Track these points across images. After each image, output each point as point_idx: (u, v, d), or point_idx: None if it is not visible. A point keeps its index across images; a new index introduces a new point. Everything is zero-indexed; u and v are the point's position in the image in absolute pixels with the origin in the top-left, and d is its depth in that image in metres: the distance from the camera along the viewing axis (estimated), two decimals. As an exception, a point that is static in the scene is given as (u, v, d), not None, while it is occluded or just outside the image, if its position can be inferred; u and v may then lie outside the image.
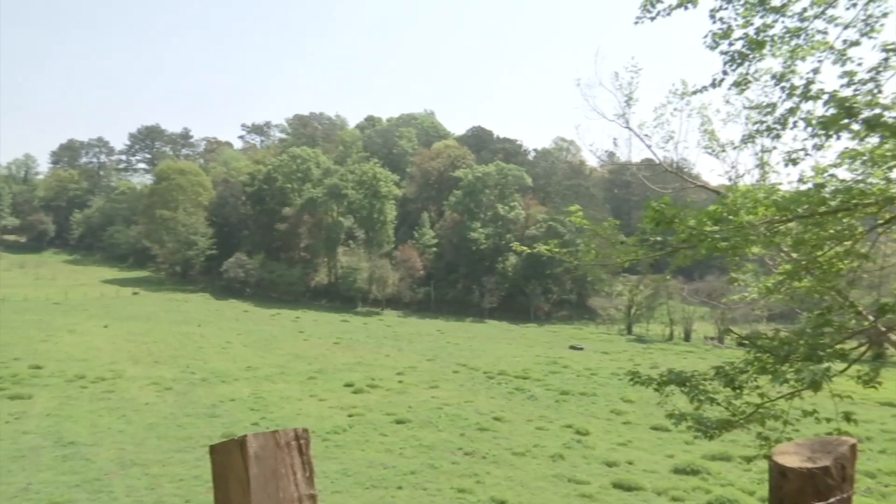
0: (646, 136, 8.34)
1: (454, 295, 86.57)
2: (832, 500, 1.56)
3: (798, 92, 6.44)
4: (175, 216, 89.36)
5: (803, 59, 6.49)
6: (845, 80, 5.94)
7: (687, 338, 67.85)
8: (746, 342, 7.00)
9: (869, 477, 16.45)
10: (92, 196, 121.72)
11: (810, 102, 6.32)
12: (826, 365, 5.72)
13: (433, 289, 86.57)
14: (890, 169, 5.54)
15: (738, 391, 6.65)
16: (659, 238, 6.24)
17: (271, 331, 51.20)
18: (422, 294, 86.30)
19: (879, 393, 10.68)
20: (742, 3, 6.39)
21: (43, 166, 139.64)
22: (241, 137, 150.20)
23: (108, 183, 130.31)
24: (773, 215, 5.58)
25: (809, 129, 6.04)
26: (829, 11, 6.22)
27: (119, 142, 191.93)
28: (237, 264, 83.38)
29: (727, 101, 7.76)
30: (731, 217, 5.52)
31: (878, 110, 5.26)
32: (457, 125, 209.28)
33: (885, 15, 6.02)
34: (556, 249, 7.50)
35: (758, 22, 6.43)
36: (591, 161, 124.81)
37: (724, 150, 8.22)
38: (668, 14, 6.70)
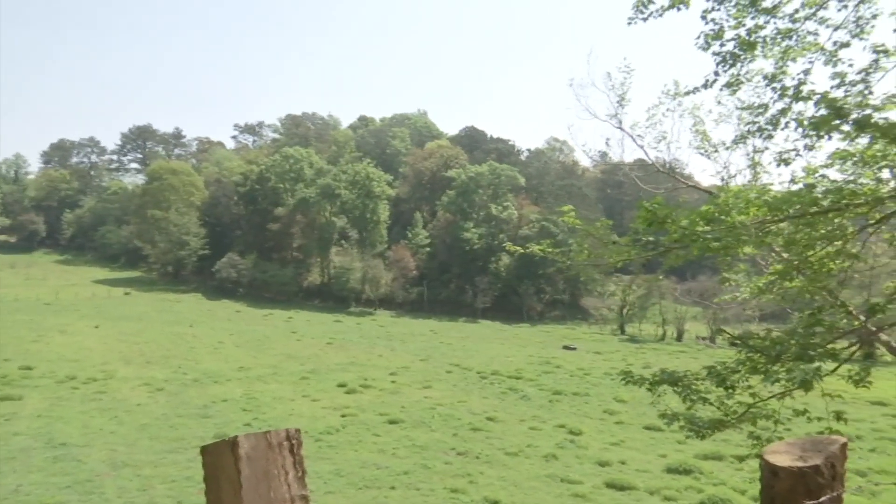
0: (638, 136, 8.37)
1: (447, 295, 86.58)
2: (823, 498, 1.57)
3: (789, 93, 6.48)
4: (167, 216, 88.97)
5: (794, 60, 6.53)
6: (836, 82, 5.98)
7: (679, 338, 68.09)
8: (738, 342, 7.01)
9: (859, 475, 16.55)
10: (83, 196, 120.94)
11: (801, 103, 6.36)
12: (817, 364, 5.75)
13: (426, 289, 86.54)
14: (880, 169, 5.58)
15: (730, 391, 6.67)
16: (651, 238, 6.25)
17: (264, 331, 51.06)
18: (415, 294, 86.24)
19: (870, 392, 10.75)
20: (734, 4, 6.43)
21: (34, 166, 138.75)
22: (233, 137, 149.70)
23: (99, 183, 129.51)
24: (764, 215, 5.60)
25: (800, 129, 6.07)
26: (820, 13, 6.26)
27: (111, 141, 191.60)
28: (229, 264, 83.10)
29: (719, 102, 7.80)
30: (722, 217, 5.54)
31: (868, 111, 5.29)
32: (450, 125, 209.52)
33: (875, 17, 6.07)
34: (549, 249, 7.50)
35: (749, 23, 6.47)
36: (584, 161, 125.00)
37: (716, 151, 8.26)
38: (661, 15, 6.73)
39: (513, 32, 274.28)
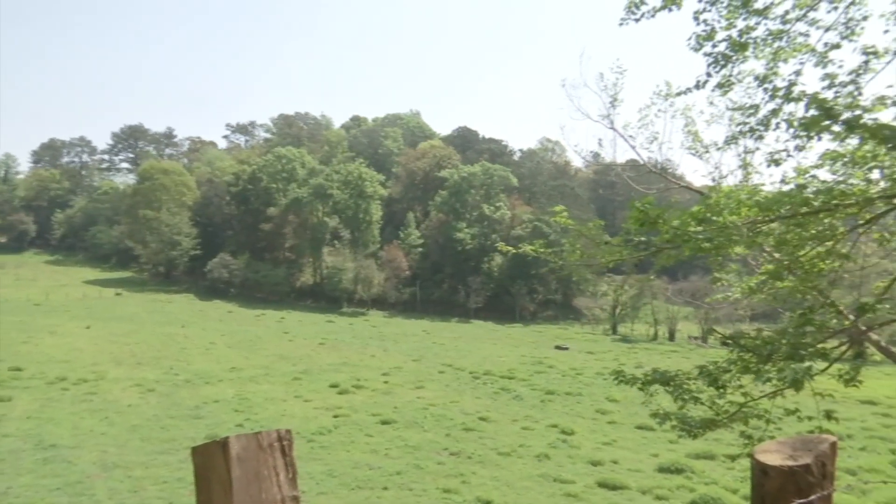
0: (630, 136, 8.41)
1: (440, 295, 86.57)
2: (813, 497, 1.57)
3: (780, 94, 6.51)
4: (158, 216, 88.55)
5: (785, 61, 6.56)
6: (826, 83, 6.01)
7: (671, 337, 68.38)
8: (730, 342, 7.05)
9: (849, 474, 16.66)
10: (74, 196, 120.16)
11: (792, 104, 6.39)
12: (808, 364, 5.78)
13: (419, 289, 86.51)
14: (870, 170, 5.61)
15: (721, 390, 6.70)
16: (643, 238, 6.27)
17: (256, 331, 50.91)
18: (407, 294, 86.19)
19: (860, 391, 10.81)
20: (725, 5, 6.45)
21: (24, 166, 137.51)
22: (225, 137, 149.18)
23: (90, 183, 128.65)
24: (755, 216, 5.62)
25: (791, 130, 6.09)
26: (811, 14, 6.29)
27: (102, 141, 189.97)
28: (221, 264, 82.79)
29: (711, 103, 7.84)
30: (714, 217, 5.55)
31: (858, 112, 5.32)
32: (442, 125, 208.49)
33: (864, 18, 6.11)
34: (542, 249, 7.51)
35: (741, 24, 6.49)
36: (576, 161, 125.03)
37: (707, 151, 8.30)
38: (653, 16, 6.75)
39: (505, 32, 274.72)
